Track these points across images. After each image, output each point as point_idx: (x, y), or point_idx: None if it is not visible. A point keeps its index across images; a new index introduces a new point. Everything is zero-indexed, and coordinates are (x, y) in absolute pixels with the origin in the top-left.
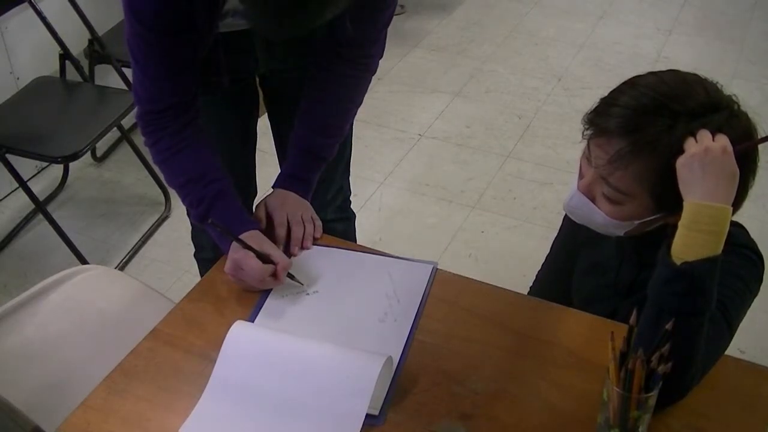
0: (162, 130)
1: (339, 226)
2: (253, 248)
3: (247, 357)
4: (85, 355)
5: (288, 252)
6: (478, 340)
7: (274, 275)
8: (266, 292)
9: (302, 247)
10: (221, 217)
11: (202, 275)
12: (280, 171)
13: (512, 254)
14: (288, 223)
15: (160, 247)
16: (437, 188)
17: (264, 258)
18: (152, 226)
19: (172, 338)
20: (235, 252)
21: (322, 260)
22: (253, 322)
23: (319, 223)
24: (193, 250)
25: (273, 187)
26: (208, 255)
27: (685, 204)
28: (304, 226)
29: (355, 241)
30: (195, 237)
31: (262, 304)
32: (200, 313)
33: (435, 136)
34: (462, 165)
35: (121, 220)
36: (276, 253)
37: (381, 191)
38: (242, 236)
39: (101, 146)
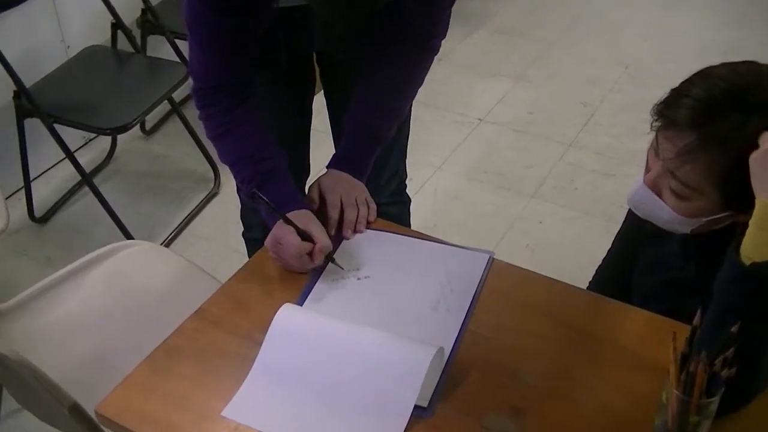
0: (216, 105)
1: (393, 210)
2: (295, 225)
3: (293, 341)
4: (127, 332)
5: (340, 235)
6: (532, 334)
7: (312, 255)
8: (315, 276)
9: (355, 231)
10: (271, 194)
11: (250, 256)
12: (334, 151)
13: (571, 247)
14: (341, 205)
15: (207, 225)
16: (495, 175)
17: (305, 236)
18: (200, 202)
19: (217, 318)
20: (278, 228)
21: (374, 245)
22: (301, 305)
23: (373, 206)
24: (242, 229)
25: (327, 168)
26: (257, 235)
27: (756, 202)
28: (358, 209)
29: (410, 227)
30: (244, 216)
31: (311, 288)
32: (247, 294)
33: (495, 121)
34: (522, 152)
35: (168, 196)
36: (319, 233)
37: (437, 176)
38: (289, 214)
39: (150, 119)
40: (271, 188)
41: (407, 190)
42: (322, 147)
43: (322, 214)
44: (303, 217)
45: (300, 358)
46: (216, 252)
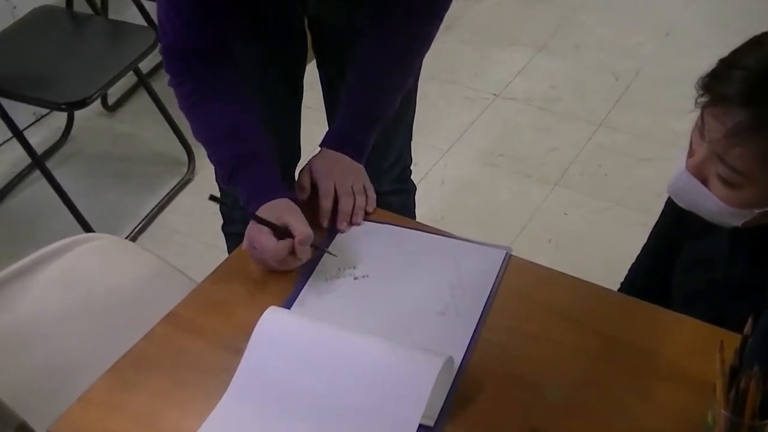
0: (188, 71)
1: (396, 199)
2: (268, 222)
3: (280, 350)
4: (86, 340)
5: (334, 228)
6: (556, 342)
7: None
8: (305, 275)
9: (350, 223)
10: (249, 182)
11: (230, 252)
12: (328, 129)
13: (600, 242)
14: (335, 193)
15: (181, 216)
16: (513, 159)
17: (284, 232)
18: (172, 190)
19: (192, 324)
20: (251, 228)
21: (373, 239)
22: (289, 308)
23: (372, 194)
24: (221, 221)
25: (320, 146)
26: (238, 229)
27: None
28: (355, 198)
29: (414, 218)
30: (224, 206)
31: (301, 289)
32: (227, 295)
33: (513, 97)
34: (544, 133)
35: (134, 182)
36: (297, 224)
37: (445, 160)
38: (265, 206)
39: (113, 93)
40: (248, 174)
41: (412, 177)
42: (312, 125)
43: (313, 204)
44: (278, 208)
45: (287, 370)
46: (190, 247)
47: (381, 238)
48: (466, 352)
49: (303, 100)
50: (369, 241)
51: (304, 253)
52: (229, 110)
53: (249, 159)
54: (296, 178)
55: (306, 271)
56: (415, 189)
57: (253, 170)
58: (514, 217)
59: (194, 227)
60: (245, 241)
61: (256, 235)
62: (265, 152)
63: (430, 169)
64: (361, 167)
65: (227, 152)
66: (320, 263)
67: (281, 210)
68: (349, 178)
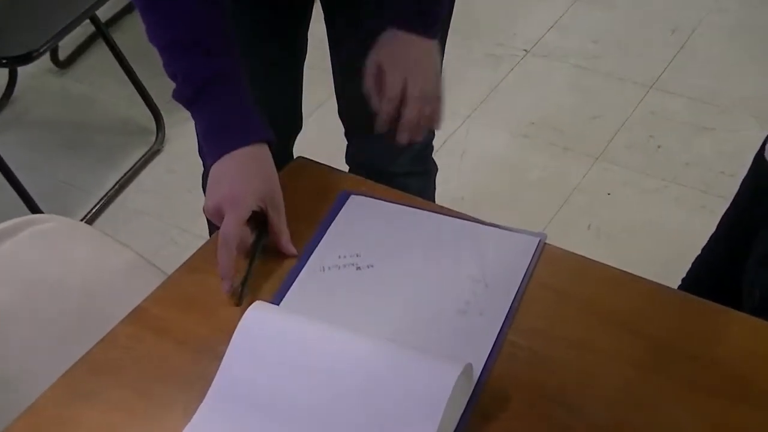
0: None
1: (414, 182)
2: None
3: (266, 355)
4: (31, 344)
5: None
6: (598, 349)
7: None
8: (300, 264)
9: (410, 141)
10: (217, 108)
11: (211, 233)
12: (334, 97)
13: (652, 228)
14: (402, 94)
15: (147, 194)
16: (546, 128)
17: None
18: (137, 163)
19: (162, 323)
20: (220, 186)
21: (381, 222)
22: (278, 304)
23: (440, 103)
24: (196, 200)
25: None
26: None
27: None
28: (422, 106)
29: (434, 202)
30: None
31: (293, 281)
32: (204, 289)
33: (546, 54)
34: (584, 96)
35: (92, 153)
36: (277, 216)
37: (466, 129)
38: (241, 153)
39: (66, 45)
40: (216, 99)
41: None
42: (314, 88)
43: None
44: (261, 169)
45: (275, 379)
46: (160, 232)
47: (390, 221)
48: (488, 359)
49: (306, 60)
50: (375, 224)
51: (289, 249)
52: (200, 10)
53: (220, 79)
54: (294, 154)
55: (299, 260)
56: (437, 170)
57: (225, 94)
58: (547, 198)
59: (164, 207)
60: (209, 203)
61: (223, 198)
62: (241, 76)
63: (446, 139)
64: (433, 47)
65: (188, 64)
66: (317, 249)
67: (265, 175)
68: (420, 75)
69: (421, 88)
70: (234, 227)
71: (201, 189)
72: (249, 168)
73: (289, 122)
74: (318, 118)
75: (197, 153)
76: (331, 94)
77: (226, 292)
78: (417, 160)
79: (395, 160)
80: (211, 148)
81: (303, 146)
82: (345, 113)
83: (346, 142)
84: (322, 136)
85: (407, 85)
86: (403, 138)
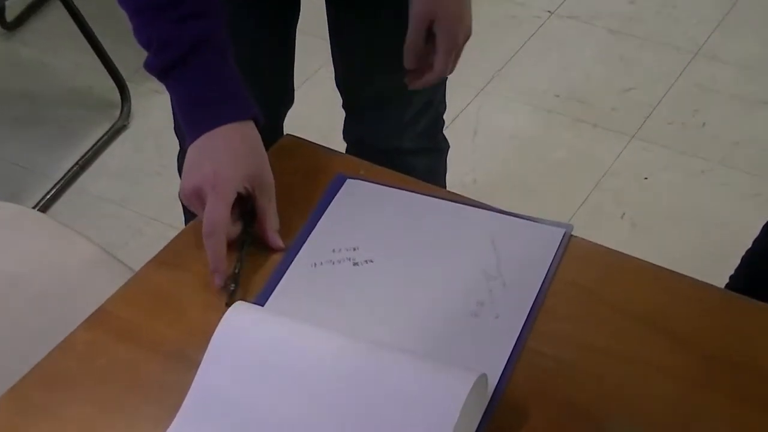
0: None
1: (421, 162)
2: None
3: (249, 363)
4: None
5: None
6: (632, 358)
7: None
8: (287, 259)
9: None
10: (201, 81)
11: (187, 222)
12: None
13: (696, 217)
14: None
15: (110, 178)
16: (573, 102)
17: (247, 202)
18: (99, 142)
19: (127, 327)
20: (201, 167)
21: (382, 210)
22: (263, 305)
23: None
24: (167, 184)
25: None
26: None
27: None
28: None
29: (444, 186)
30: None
31: (280, 278)
32: (176, 287)
33: (574, 16)
34: (617, 65)
35: (45, 130)
36: (266, 208)
37: (479, 104)
38: (226, 130)
39: (15, 4)
40: (198, 69)
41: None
42: (306, 56)
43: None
44: (250, 147)
45: (258, 391)
46: (125, 221)
47: (392, 209)
48: (505, 369)
49: (299, 24)
50: (375, 213)
51: (276, 241)
52: None
53: (202, 45)
54: (284, 131)
55: (287, 255)
56: (449, 147)
57: (208, 62)
58: (574, 183)
59: (129, 193)
60: (186, 184)
61: (208, 180)
62: (223, 41)
63: (457, 115)
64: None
65: (165, 30)
66: (307, 242)
67: (253, 154)
68: (457, 23)
69: (465, 36)
70: (222, 212)
71: (176, 171)
72: (235, 146)
73: (279, 94)
74: (307, 90)
75: (171, 130)
76: (323, 64)
77: (218, 288)
78: (426, 135)
79: (402, 135)
80: (191, 125)
81: (291, 122)
82: (344, 82)
83: (343, 117)
84: (312, 111)
85: (441, 35)
86: (427, 83)
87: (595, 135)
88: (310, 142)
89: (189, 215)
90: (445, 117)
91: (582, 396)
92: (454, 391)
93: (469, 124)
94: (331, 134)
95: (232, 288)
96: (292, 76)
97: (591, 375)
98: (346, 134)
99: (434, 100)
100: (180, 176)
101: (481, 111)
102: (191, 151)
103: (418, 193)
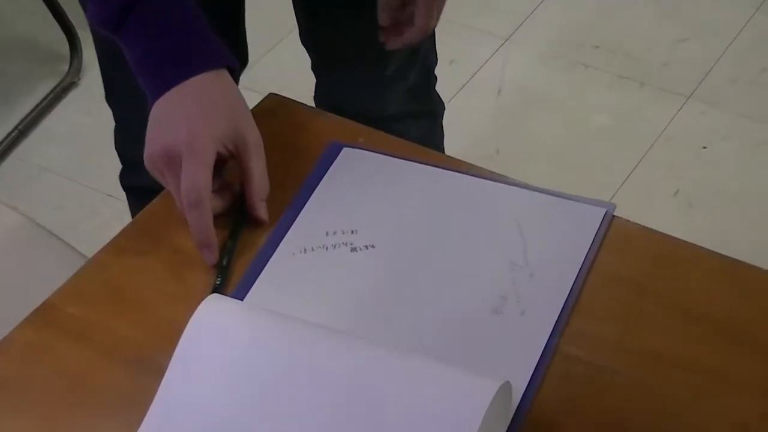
0: None
1: (411, 128)
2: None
3: (224, 368)
4: None
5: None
6: (689, 365)
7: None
8: (272, 243)
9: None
10: (162, 29)
11: (133, 211)
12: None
13: (764, 195)
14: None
15: (58, 144)
16: (616, 55)
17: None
18: (44, 101)
19: (79, 326)
20: (172, 126)
21: (384, 186)
22: (242, 299)
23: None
24: (120, 163)
25: None
26: (146, 180)
27: None
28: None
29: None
30: (122, 136)
31: (263, 266)
32: (138, 278)
33: None
34: (667, 12)
35: None
36: (256, 165)
37: (503, 58)
38: (196, 82)
39: None
40: (158, 15)
41: (439, 89)
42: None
43: None
44: (228, 99)
45: (235, 403)
46: (76, 197)
47: (398, 183)
48: (533, 376)
49: None
50: (377, 189)
51: (261, 211)
52: None
53: None
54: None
55: (271, 236)
56: (444, 109)
57: (177, 6)
58: (617, 154)
59: (81, 164)
60: (153, 147)
61: (182, 138)
62: None
63: (477, 70)
64: None
65: None
66: (296, 223)
67: (232, 107)
68: None
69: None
70: (204, 175)
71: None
72: (211, 99)
73: (232, 49)
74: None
75: None
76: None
77: (212, 265)
78: (415, 96)
79: (384, 97)
80: (154, 81)
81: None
82: (309, 36)
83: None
84: (287, 75)
85: None
86: (396, 43)
87: (643, 95)
88: (299, 102)
89: (136, 207)
90: (462, 73)
91: (625, 411)
92: (472, 402)
93: (492, 81)
94: (310, 103)
95: (217, 283)
96: (244, 31)
97: (636, 385)
98: (318, 100)
99: (420, 50)
100: (120, 158)
101: (507, 66)
102: (156, 109)
103: (429, 165)
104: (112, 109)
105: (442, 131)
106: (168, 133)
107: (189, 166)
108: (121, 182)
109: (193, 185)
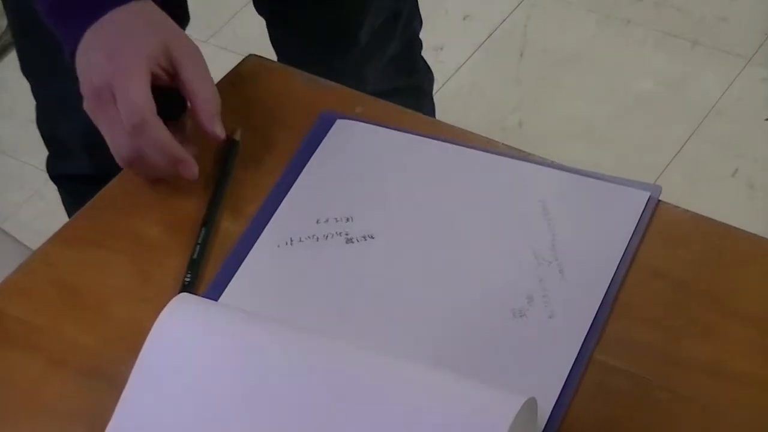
0: None
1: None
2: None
3: (194, 380)
4: None
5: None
6: (751, 379)
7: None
8: (253, 233)
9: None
10: None
11: (68, 205)
12: None
13: None
14: None
15: None
16: (663, 8)
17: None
18: None
19: (23, 330)
20: (100, 62)
21: (387, 164)
22: (216, 299)
23: None
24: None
25: None
26: (78, 166)
27: None
28: None
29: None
30: (42, 112)
31: (242, 258)
32: (91, 272)
33: None
34: None
35: None
36: (194, 73)
37: (526, 12)
38: (124, 11)
39: None
40: None
41: (450, 48)
42: None
43: None
44: (152, 18)
45: (207, 420)
46: (15, 176)
47: (402, 162)
48: (563, 391)
49: None
50: (378, 168)
51: (214, 127)
52: None
53: None
54: None
55: (251, 225)
56: (432, 81)
57: None
58: (664, 126)
59: (19, 138)
60: (94, 80)
61: (118, 68)
62: None
63: (496, 28)
64: None
65: None
66: (281, 209)
67: (157, 22)
68: None
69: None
70: (142, 91)
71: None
72: (132, 25)
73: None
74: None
75: None
76: None
77: (194, 179)
78: (398, 69)
79: (359, 73)
80: (69, 24)
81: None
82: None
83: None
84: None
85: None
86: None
87: (695, 57)
88: (284, 65)
89: (68, 194)
90: (478, 30)
91: (674, 427)
92: (493, 421)
93: (513, 41)
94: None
95: (187, 280)
96: None
97: (684, 402)
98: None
99: (402, 14)
100: (44, 140)
101: (530, 22)
102: (79, 57)
103: (439, 140)
104: (30, 83)
105: (433, 106)
106: (92, 71)
107: (122, 91)
108: (48, 172)
109: (131, 107)
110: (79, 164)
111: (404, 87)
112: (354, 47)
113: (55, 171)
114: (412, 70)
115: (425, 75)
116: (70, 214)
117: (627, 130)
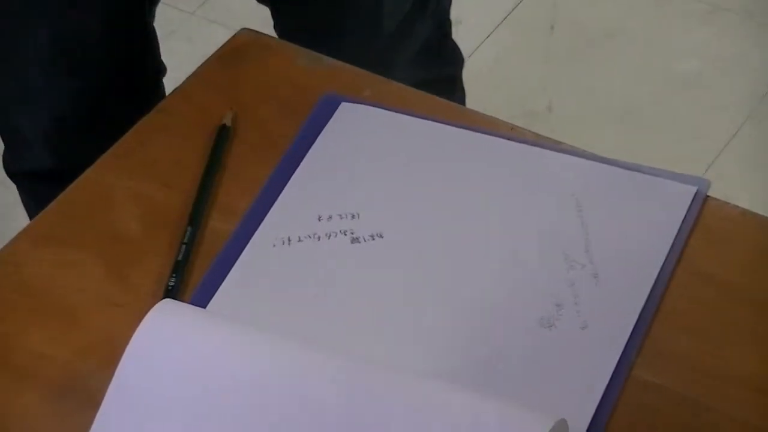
0: None
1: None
2: None
3: (177, 398)
4: None
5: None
6: None
7: None
8: (246, 230)
9: None
10: None
11: (27, 204)
12: None
13: None
14: None
15: None
16: None
17: None
18: None
19: None
20: None
21: (397, 154)
22: (204, 306)
23: None
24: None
25: None
26: (39, 160)
27: None
28: None
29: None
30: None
31: (234, 259)
32: (62, 276)
33: None
34: None
35: None
36: None
37: None
38: None
39: None
40: None
41: (471, 24)
42: None
43: None
44: None
45: None
46: None
47: (415, 151)
48: (599, 410)
49: None
50: (388, 158)
51: None
52: None
53: None
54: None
55: (244, 222)
56: (463, 63)
57: None
58: (711, 112)
59: None
60: None
61: None
62: None
63: (518, 3)
64: None
65: None
66: (278, 205)
67: None
68: None
69: None
70: None
71: None
72: None
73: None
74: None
75: None
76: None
77: None
78: (428, 55)
79: (384, 62)
80: None
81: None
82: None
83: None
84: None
85: None
86: None
87: (747, 33)
88: (282, 41)
89: (26, 193)
90: (503, 2)
91: None
92: None
93: (542, 13)
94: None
95: (171, 284)
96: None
97: (732, 422)
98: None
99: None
100: (5, 142)
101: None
102: None
103: (458, 126)
104: None
105: (463, 91)
106: None
107: None
108: (5, 169)
109: None
110: (40, 158)
111: (434, 75)
112: (378, 37)
113: (11, 167)
114: (444, 55)
115: (455, 57)
116: (30, 215)
117: (670, 116)
